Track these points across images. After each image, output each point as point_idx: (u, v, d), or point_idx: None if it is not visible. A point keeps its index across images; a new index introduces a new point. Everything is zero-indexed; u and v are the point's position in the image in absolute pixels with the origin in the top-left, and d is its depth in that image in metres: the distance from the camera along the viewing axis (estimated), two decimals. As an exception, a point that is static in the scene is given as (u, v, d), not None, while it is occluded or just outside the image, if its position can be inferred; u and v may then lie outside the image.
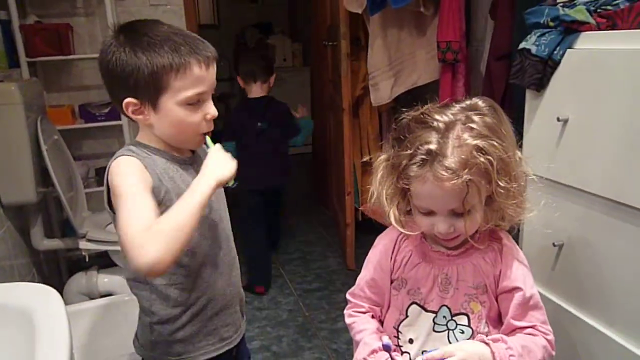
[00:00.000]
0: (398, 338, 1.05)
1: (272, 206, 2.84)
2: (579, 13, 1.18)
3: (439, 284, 1.01)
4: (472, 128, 0.90)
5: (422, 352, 1.00)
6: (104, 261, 2.32)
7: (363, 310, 1.11)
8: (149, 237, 0.84)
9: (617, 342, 1.12)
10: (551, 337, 0.99)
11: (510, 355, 0.92)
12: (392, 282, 1.06)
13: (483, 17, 2.14)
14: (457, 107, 0.94)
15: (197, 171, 1.00)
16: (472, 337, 1.00)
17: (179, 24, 2.77)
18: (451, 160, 0.87)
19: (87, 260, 2.25)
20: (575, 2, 1.26)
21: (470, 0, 2.19)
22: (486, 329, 1.01)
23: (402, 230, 1.00)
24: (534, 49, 1.23)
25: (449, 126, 0.90)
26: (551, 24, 1.23)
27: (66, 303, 0.89)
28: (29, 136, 1.95)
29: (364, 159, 3.06)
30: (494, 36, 1.92)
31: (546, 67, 1.22)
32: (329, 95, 3.30)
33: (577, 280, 1.23)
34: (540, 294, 1.03)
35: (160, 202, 0.99)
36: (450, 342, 1.00)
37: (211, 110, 1.03)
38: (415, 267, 1.04)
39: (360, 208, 2.99)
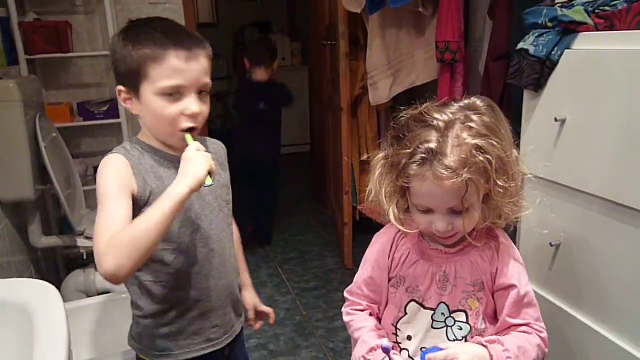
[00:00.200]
0: (396, 335, 1.06)
1: (266, 178, 3.22)
2: (577, 14, 1.18)
3: (437, 282, 1.02)
4: (471, 127, 0.90)
5: (422, 349, 1.00)
6: (102, 259, 2.32)
7: (361, 308, 1.11)
8: (110, 248, 0.89)
9: (613, 341, 1.12)
10: (545, 334, 1.00)
11: (507, 358, 0.93)
12: (390, 280, 1.07)
13: (482, 17, 2.15)
14: (456, 107, 0.95)
15: None
16: (470, 333, 1.01)
17: (178, 22, 2.76)
18: (451, 160, 0.88)
19: (85, 257, 2.24)
20: (573, 2, 1.26)
21: (469, 0, 2.19)
22: (483, 326, 1.01)
23: (401, 228, 1.01)
24: (532, 50, 1.24)
25: (449, 125, 0.91)
26: (549, 24, 1.23)
27: (64, 300, 0.89)
28: (28, 134, 1.95)
29: (363, 159, 3.07)
30: (492, 36, 1.93)
31: (544, 68, 1.23)
32: (328, 95, 3.30)
33: (574, 280, 1.23)
34: (537, 294, 1.04)
35: (147, 202, 1.02)
36: (449, 339, 1.01)
37: (191, 106, 1.00)
38: (414, 265, 1.04)
39: (358, 207, 2.99)
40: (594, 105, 1.13)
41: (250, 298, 1.33)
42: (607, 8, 1.19)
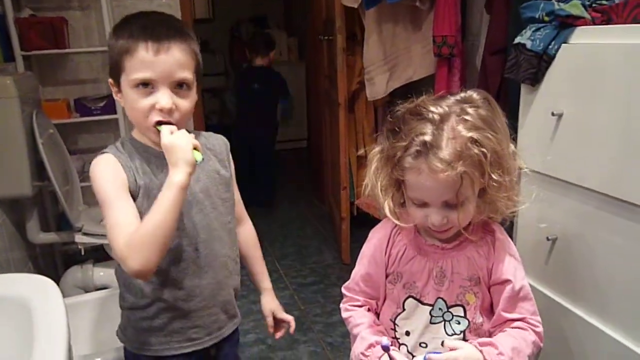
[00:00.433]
0: (395, 330, 1.06)
1: (261, 158, 3.61)
2: (574, 7, 1.19)
3: (434, 277, 1.02)
4: (466, 120, 0.90)
5: (420, 344, 1.01)
6: (99, 254, 2.32)
7: (359, 303, 1.11)
8: (130, 250, 0.92)
9: (610, 335, 1.13)
10: (540, 328, 1.01)
11: None
12: (387, 276, 1.07)
13: (479, 11, 2.15)
14: (452, 100, 0.95)
15: None
16: (468, 328, 1.01)
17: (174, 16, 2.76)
18: (445, 152, 0.88)
19: (82, 253, 2.24)
20: (570, -3, 1.26)
21: (466, -6, 2.19)
22: (480, 320, 1.02)
23: (396, 222, 1.01)
24: (529, 44, 1.24)
25: (444, 118, 0.91)
26: (546, 18, 1.23)
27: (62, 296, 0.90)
28: (25, 130, 1.95)
29: (360, 154, 3.07)
30: (489, 30, 1.93)
31: (541, 62, 1.23)
32: (325, 90, 3.30)
33: (570, 274, 1.24)
34: (533, 288, 1.05)
35: (136, 198, 1.02)
36: (447, 333, 1.01)
37: (162, 100, 0.97)
38: (410, 261, 1.04)
39: (355, 202, 3.00)
40: (591, 100, 1.13)
41: (267, 303, 1.29)
42: (604, 2, 1.20)
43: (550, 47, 1.21)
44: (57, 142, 2.29)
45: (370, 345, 1.02)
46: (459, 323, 1.02)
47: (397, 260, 1.05)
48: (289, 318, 1.30)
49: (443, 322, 1.02)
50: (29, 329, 0.78)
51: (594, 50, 1.13)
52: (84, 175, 2.67)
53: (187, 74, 1.01)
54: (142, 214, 0.97)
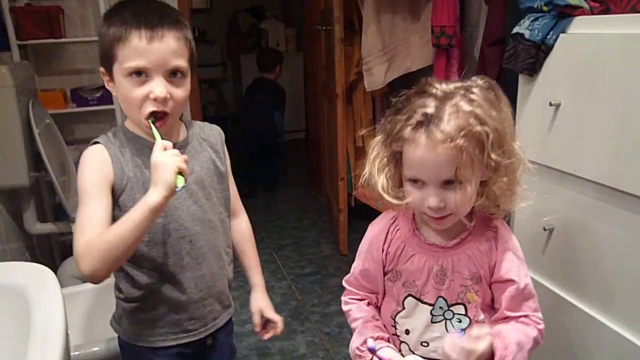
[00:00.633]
0: (395, 328, 1.04)
1: (264, 158, 4.02)
2: (573, -3, 1.18)
3: (434, 276, 0.99)
4: (471, 100, 0.88)
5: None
6: (97, 245, 2.32)
7: (359, 297, 1.09)
8: (86, 252, 0.92)
9: (606, 324, 1.14)
10: (542, 326, 0.99)
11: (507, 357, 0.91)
12: (386, 273, 1.05)
13: (477, 2, 2.14)
14: (458, 82, 0.93)
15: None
16: (470, 325, 0.99)
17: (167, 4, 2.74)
18: (446, 124, 0.85)
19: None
20: (569, -14, 1.26)
21: (465, -15, 2.18)
22: (482, 317, 1.00)
23: (387, 198, 0.97)
24: (527, 34, 1.23)
25: (448, 95, 0.89)
26: (545, 8, 1.23)
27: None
28: (21, 120, 1.93)
29: (358, 145, 3.07)
30: (487, 21, 1.92)
31: (539, 52, 1.22)
32: (323, 81, 3.29)
33: (567, 264, 1.24)
34: (531, 278, 1.04)
35: (123, 190, 1.01)
36: (447, 331, 0.99)
37: (156, 90, 0.96)
38: (410, 260, 1.01)
39: (353, 193, 3.00)
40: (589, 90, 1.13)
41: (256, 300, 1.25)
42: (602, -8, 1.20)
43: (548, 37, 1.20)
44: (53, 133, 2.28)
45: (365, 341, 1.01)
46: (460, 321, 0.99)
47: (395, 258, 1.03)
48: (278, 319, 1.24)
49: (444, 321, 1.00)
50: (26, 317, 0.78)
51: (593, 40, 1.12)
52: (81, 165, 2.66)
53: (182, 62, 0.99)
54: (129, 207, 0.95)
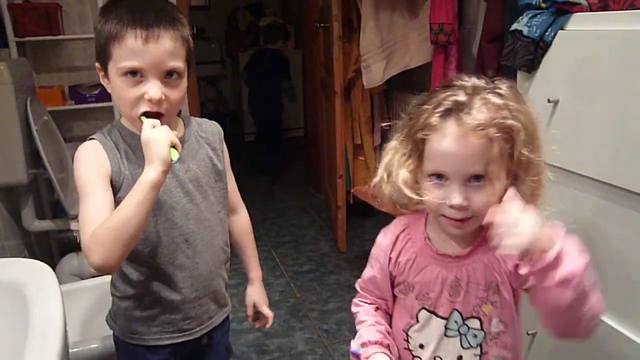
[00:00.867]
0: (408, 342, 1.00)
1: (270, 134, 4.28)
2: (571, -6, 1.18)
3: (448, 288, 0.94)
4: (500, 94, 0.85)
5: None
6: (95, 242, 2.32)
7: (368, 301, 1.08)
8: (92, 243, 0.90)
9: (606, 323, 1.14)
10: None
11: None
12: (397, 285, 1.01)
13: (476, -1, 2.14)
14: (484, 80, 0.89)
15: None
16: (484, 340, 0.94)
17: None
18: (478, 113, 0.81)
19: (78, 241, 2.24)
20: (567, -17, 1.26)
21: (463, -18, 2.18)
22: (498, 329, 0.94)
23: (408, 192, 0.90)
24: (525, 30, 1.24)
25: (477, 89, 0.86)
26: (543, 5, 1.23)
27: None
28: (19, 117, 1.93)
29: (356, 142, 3.07)
30: (486, 18, 1.92)
31: (537, 49, 1.23)
32: (321, 78, 3.29)
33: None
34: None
35: (120, 187, 1.00)
36: (462, 347, 0.95)
37: (151, 91, 0.94)
38: (422, 272, 0.96)
39: (351, 190, 3.00)
40: (588, 86, 1.13)
41: (251, 293, 1.27)
42: (600, -12, 1.19)
43: (546, 33, 1.20)
44: (52, 130, 2.27)
45: (363, 344, 1.00)
46: (475, 336, 0.95)
47: (407, 270, 0.98)
48: (269, 315, 1.27)
49: (459, 337, 0.96)
50: (25, 314, 0.78)
51: (591, 36, 1.12)
52: (79, 162, 2.66)
53: (178, 63, 0.97)
54: None
